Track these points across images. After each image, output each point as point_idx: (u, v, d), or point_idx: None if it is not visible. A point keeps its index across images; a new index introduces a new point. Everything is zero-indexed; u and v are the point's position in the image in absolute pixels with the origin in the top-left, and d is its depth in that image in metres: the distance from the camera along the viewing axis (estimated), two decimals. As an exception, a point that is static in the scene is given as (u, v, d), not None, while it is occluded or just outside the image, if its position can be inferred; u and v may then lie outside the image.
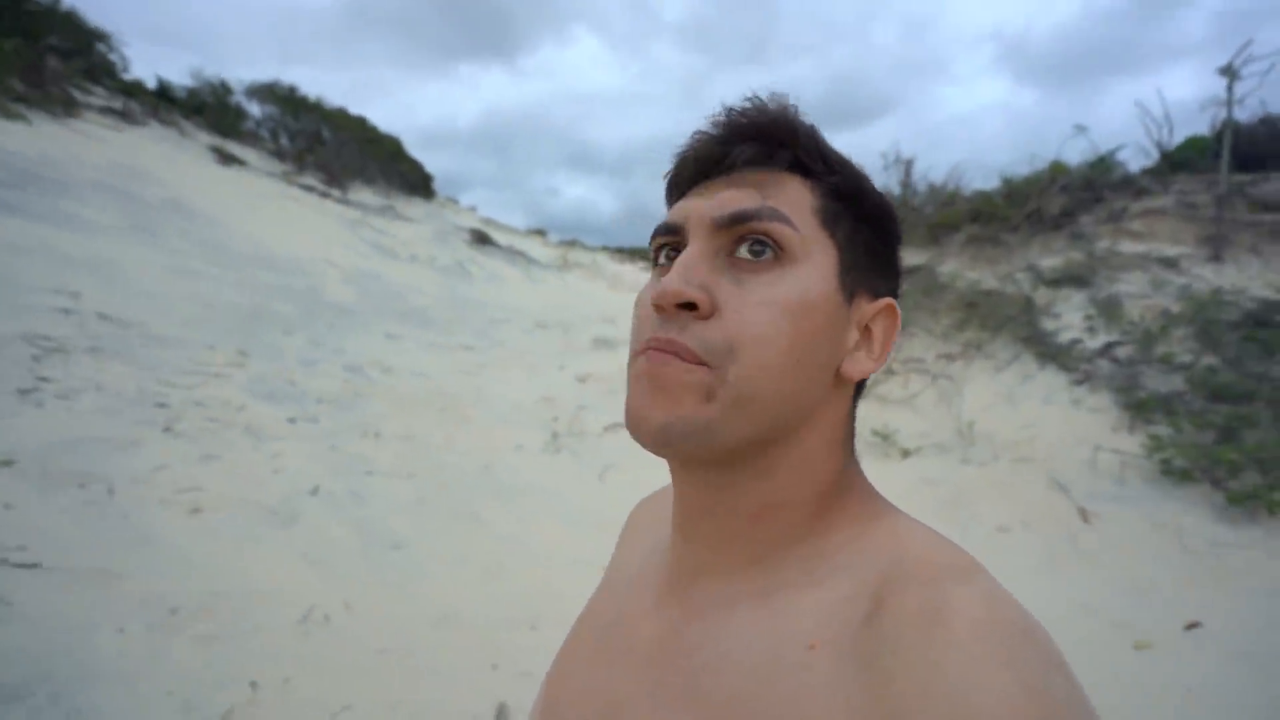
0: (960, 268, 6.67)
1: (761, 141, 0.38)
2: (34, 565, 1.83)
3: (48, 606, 1.71)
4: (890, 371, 5.27)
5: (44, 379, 3.17)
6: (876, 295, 0.39)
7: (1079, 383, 4.41)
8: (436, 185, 21.07)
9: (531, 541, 2.87)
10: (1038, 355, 4.85)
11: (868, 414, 4.58)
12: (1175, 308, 4.78)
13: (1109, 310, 5.06)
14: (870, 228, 0.39)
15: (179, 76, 14.89)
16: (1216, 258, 5.65)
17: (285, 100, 16.34)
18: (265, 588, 2.05)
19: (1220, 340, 4.21)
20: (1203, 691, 2.00)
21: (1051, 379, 4.55)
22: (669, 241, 0.39)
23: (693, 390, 0.34)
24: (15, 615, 1.65)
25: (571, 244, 23.93)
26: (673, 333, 0.35)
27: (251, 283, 7.01)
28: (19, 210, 5.88)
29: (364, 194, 16.21)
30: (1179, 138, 7.69)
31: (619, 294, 16.74)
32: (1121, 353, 4.50)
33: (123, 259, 5.90)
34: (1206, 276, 5.37)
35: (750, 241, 0.36)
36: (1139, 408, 3.84)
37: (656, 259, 0.41)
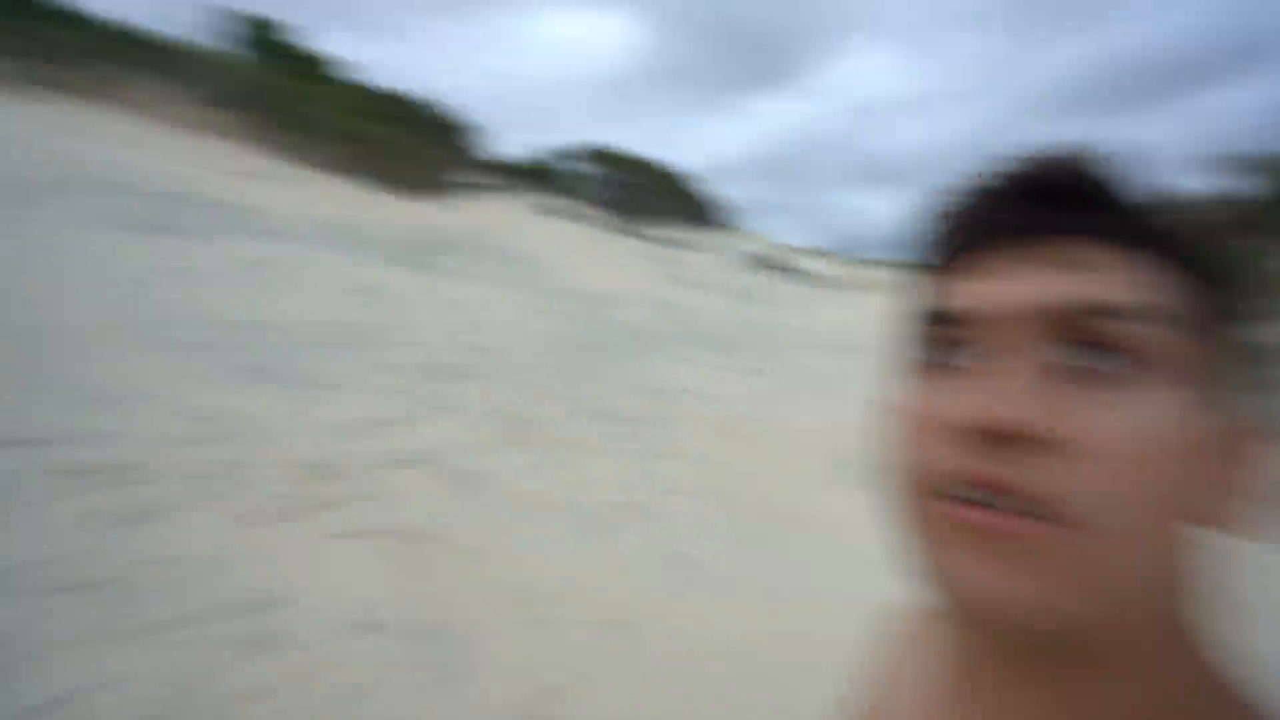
0: None
1: (1075, 201, 0.28)
2: (434, 539, 2.41)
3: (445, 574, 2.23)
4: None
5: (442, 396, 4.18)
6: (1242, 410, 0.28)
7: None
8: (725, 214, 22.19)
9: (816, 574, 2.79)
10: None
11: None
12: None
13: None
14: (1231, 316, 0.29)
15: (518, 149, 18.55)
16: None
17: (598, 156, 18.97)
18: (577, 586, 2.38)
19: None
20: None
21: None
22: (952, 335, 0.30)
23: (1038, 555, 0.25)
24: (424, 576, 2.19)
25: (869, 261, 22.85)
26: (1000, 470, 0.26)
27: (577, 316, 8.22)
28: (428, 268, 7.87)
29: (660, 229, 17.91)
30: None
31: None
32: None
33: (490, 301, 7.45)
34: None
35: (1090, 346, 0.26)
36: None
37: (928, 355, 0.31)
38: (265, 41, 13.40)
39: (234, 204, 7.28)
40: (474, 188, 14.20)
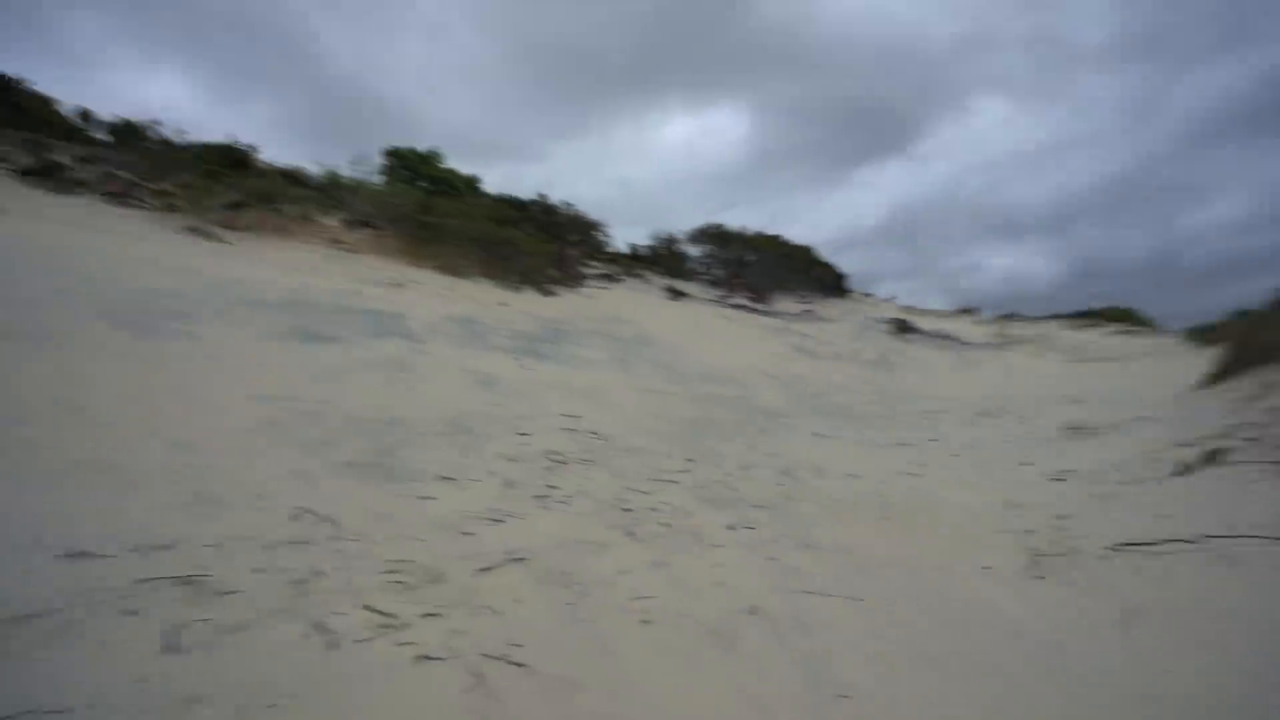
0: None
1: None
2: (521, 665, 2.06)
3: (526, 712, 1.88)
4: None
5: (552, 486, 3.95)
6: None
7: None
8: (850, 283, 21.28)
9: (1018, 708, 2.08)
10: None
11: None
12: None
13: None
14: None
15: (641, 238, 19.03)
16: None
17: (715, 236, 19.12)
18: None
19: None
20: None
21: None
22: None
23: None
24: (501, 715, 1.84)
25: (1008, 318, 20.79)
26: None
27: (696, 395, 7.89)
28: (547, 357, 7.98)
29: (785, 303, 17.39)
30: None
31: (1085, 366, 13.46)
32: None
33: (606, 385, 7.34)
34: None
35: None
36: None
37: None
38: (412, 168, 15.20)
39: (384, 310, 7.91)
40: (602, 277, 14.68)
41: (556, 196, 17.48)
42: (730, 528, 3.65)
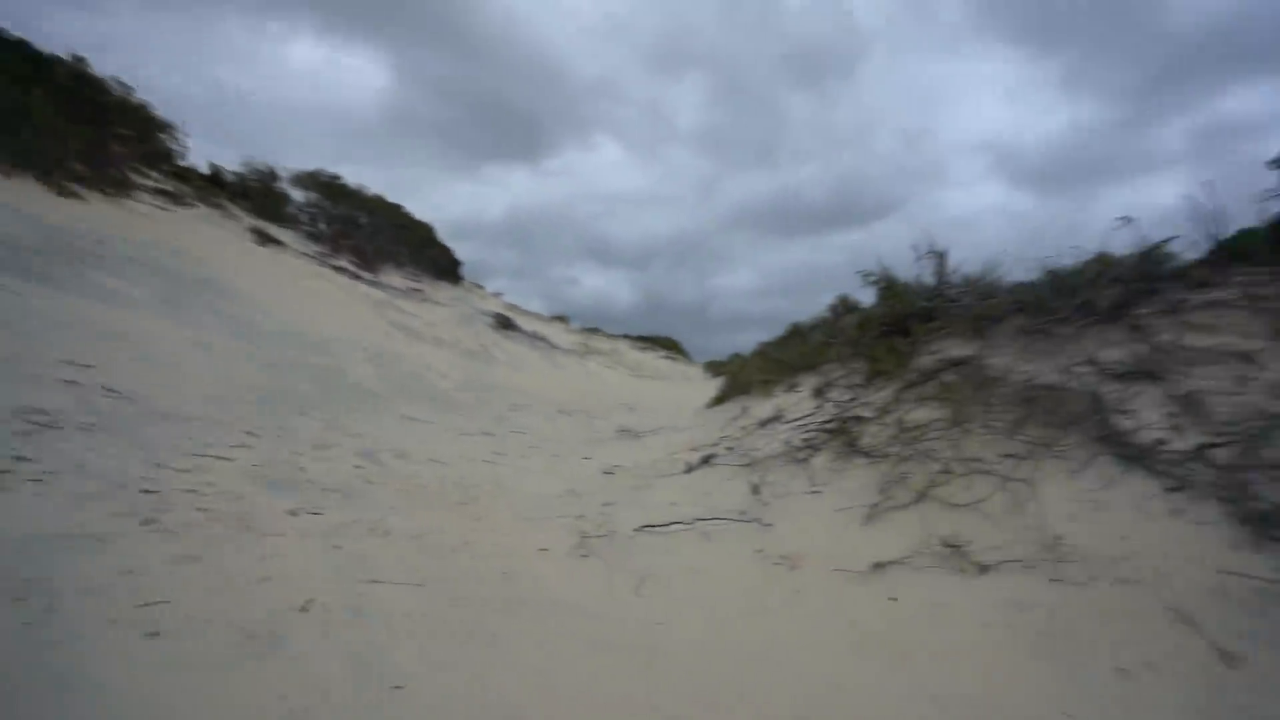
0: (1012, 361, 6.29)
1: None
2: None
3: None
4: (948, 471, 4.79)
5: (23, 458, 2.86)
6: None
7: (1174, 489, 3.89)
8: (464, 271, 21.51)
9: (559, 674, 2.39)
10: (1118, 457, 4.36)
11: (933, 519, 4.09)
12: (1271, 406, 4.30)
13: (1193, 408, 4.59)
14: None
15: (234, 164, 15.53)
16: (1297, 353, 5.20)
17: (326, 186, 17.00)
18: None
19: (1337, 444, 3.72)
20: None
21: (1140, 484, 4.04)
22: None
23: None
24: None
25: (593, 331, 24.05)
26: None
27: (273, 360, 6.82)
28: (51, 280, 5.83)
29: (394, 277, 16.49)
30: (1163, 233, 7.43)
31: (641, 381, 16.51)
32: (1220, 456, 4.00)
33: (146, 332, 5.76)
34: (1292, 373, 4.91)
35: None
36: (1261, 521, 3.31)
37: None
38: None
39: None
40: (164, 195, 11.39)
41: (112, 68, 12.93)
42: (292, 513, 3.24)
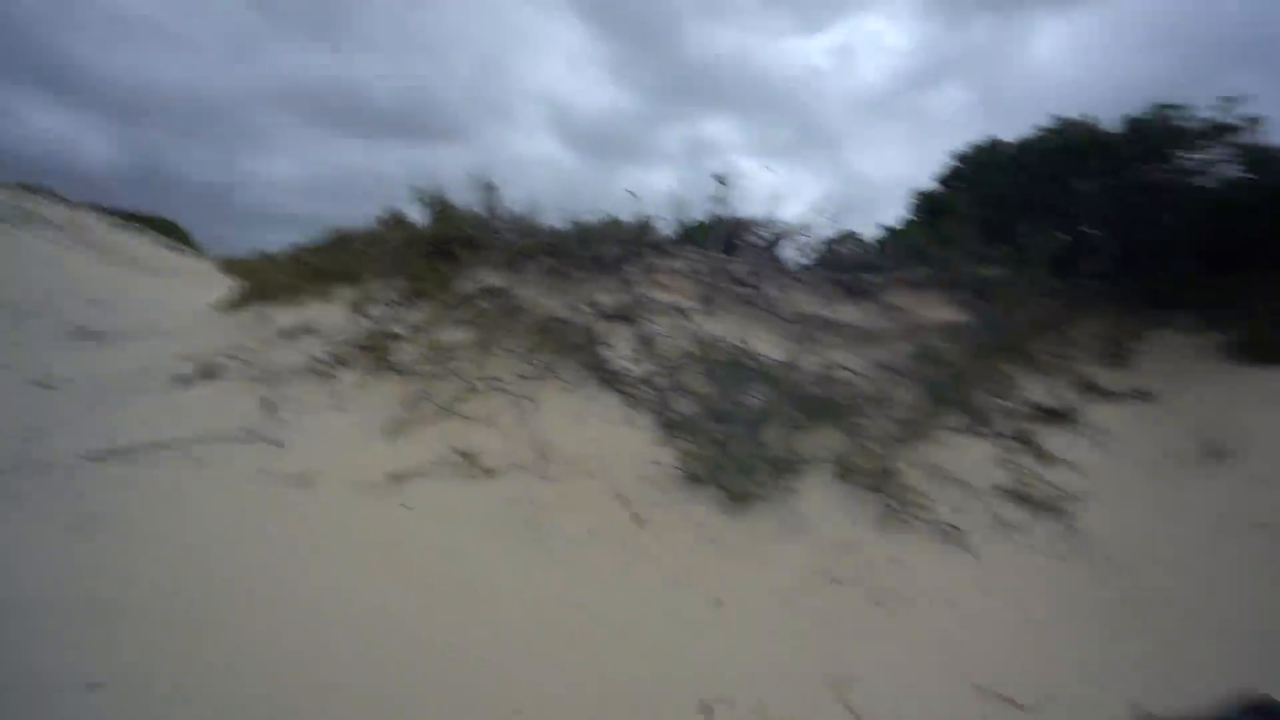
0: (538, 295, 7.20)
1: None
2: None
3: None
4: (472, 389, 5.25)
5: None
6: None
7: (630, 405, 5.16)
8: None
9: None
10: (599, 380, 5.51)
11: (453, 433, 4.43)
12: (692, 348, 6.07)
13: (648, 345, 6.12)
14: None
15: None
16: (710, 312, 7.49)
17: None
18: None
19: (717, 375, 5.52)
20: (737, 655, 2.45)
21: (610, 401, 5.22)
22: None
23: None
24: None
25: (35, 189, 17.14)
26: None
27: None
28: None
29: None
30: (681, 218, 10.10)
31: (117, 270, 12.74)
32: (658, 381, 5.48)
33: None
34: (705, 326, 7.06)
35: None
36: (671, 427, 4.70)
37: None
38: None
39: None
40: None
41: None
42: None
